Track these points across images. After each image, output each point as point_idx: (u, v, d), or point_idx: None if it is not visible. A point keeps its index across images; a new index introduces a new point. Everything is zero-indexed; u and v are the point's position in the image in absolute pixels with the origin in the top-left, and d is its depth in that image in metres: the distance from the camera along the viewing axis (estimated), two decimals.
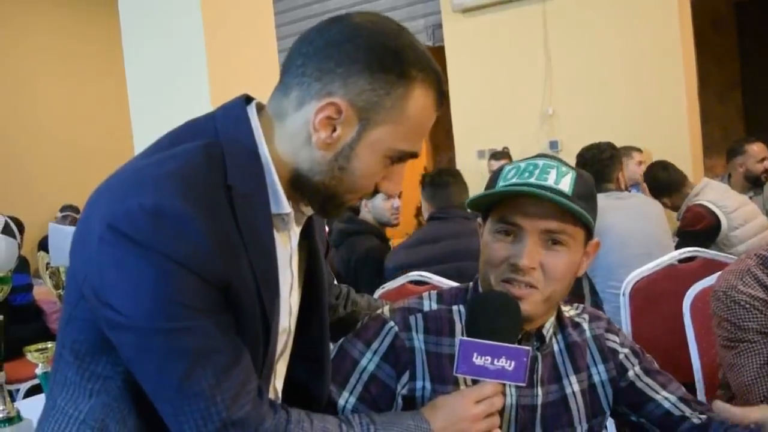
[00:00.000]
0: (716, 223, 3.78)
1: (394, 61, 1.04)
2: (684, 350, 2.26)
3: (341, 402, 1.25)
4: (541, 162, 1.25)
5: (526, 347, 1.14)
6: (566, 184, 1.21)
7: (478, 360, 1.13)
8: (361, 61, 1.03)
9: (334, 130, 1.05)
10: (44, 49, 7.73)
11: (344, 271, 3.30)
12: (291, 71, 1.08)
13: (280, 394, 1.25)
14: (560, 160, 1.27)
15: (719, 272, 1.85)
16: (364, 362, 1.26)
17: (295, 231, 1.17)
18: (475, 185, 5.72)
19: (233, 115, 1.09)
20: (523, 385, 1.16)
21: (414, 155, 1.11)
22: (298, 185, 1.10)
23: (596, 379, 1.36)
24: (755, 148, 4.35)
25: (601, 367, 1.37)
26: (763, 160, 4.33)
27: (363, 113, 1.04)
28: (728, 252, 3.64)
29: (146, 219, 0.94)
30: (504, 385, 1.17)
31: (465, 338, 1.15)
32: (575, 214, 1.19)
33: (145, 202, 0.95)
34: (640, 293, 2.74)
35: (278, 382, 1.24)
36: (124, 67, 3.28)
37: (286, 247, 1.15)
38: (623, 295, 2.74)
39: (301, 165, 1.08)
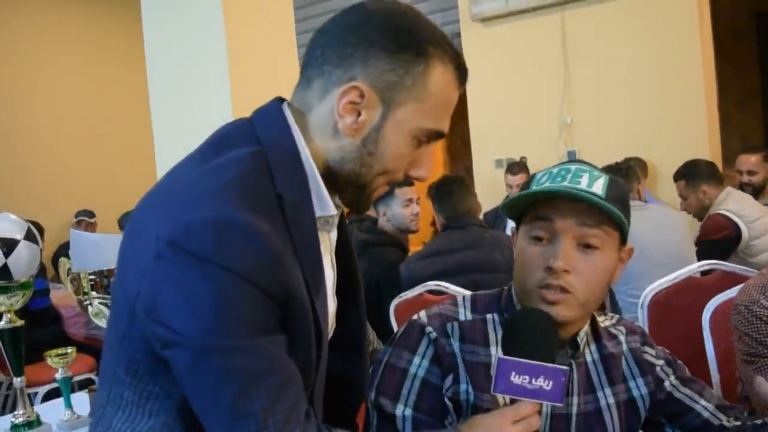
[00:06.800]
0: (737, 233, 3.77)
1: (410, 39, 1.04)
2: (702, 363, 2.24)
3: (398, 413, 1.23)
4: (573, 167, 1.25)
5: (565, 367, 1.13)
6: (599, 187, 1.21)
7: (516, 379, 1.11)
8: (378, 42, 1.03)
9: (359, 114, 1.05)
10: (62, 53, 7.80)
11: (364, 284, 3.26)
12: (311, 63, 1.08)
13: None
14: (593, 166, 1.28)
15: (739, 285, 1.84)
16: (413, 369, 1.25)
17: (335, 228, 1.18)
18: (492, 194, 5.77)
19: (272, 120, 1.09)
20: (560, 405, 1.15)
21: (440, 134, 1.11)
22: (331, 178, 1.09)
23: (635, 393, 1.35)
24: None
25: (640, 381, 1.36)
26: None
27: (385, 94, 1.04)
28: (749, 261, 3.64)
29: (209, 233, 0.93)
30: (541, 404, 1.17)
31: (503, 356, 1.14)
32: (609, 213, 1.19)
33: (207, 215, 0.93)
34: (658, 305, 2.72)
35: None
36: (146, 71, 3.31)
37: (327, 245, 1.15)
38: (641, 307, 2.72)
39: (332, 156, 1.08)
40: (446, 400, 1.25)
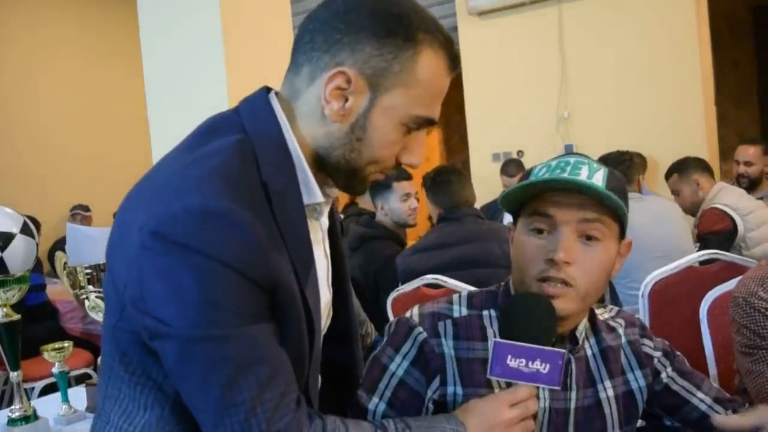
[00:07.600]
0: (733, 227, 3.77)
1: (399, 25, 1.03)
2: (701, 354, 2.25)
3: (371, 407, 1.23)
4: (572, 159, 1.24)
5: (562, 350, 1.12)
6: (599, 179, 1.19)
7: (512, 362, 1.11)
8: (367, 27, 1.02)
9: (346, 100, 1.04)
10: (59, 48, 7.77)
11: (362, 278, 3.20)
12: (300, 49, 1.08)
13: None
14: (591, 158, 1.26)
15: (737, 277, 1.84)
16: (393, 367, 1.24)
17: (325, 216, 1.17)
18: (489, 188, 5.76)
19: (258, 109, 1.08)
20: (558, 388, 1.14)
21: (430, 121, 1.10)
22: (321, 165, 1.09)
23: (634, 385, 1.34)
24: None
25: (638, 373, 1.35)
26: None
27: (373, 80, 1.03)
28: (746, 255, 3.64)
29: (193, 221, 0.92)
30: (538, 388, 1.15)
31: (499, 340, 1.13)
32: (610, 204, 1.18)
33: (190, 204, 0.93)
34: (658, 294, 2.72)
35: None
36: (142, 66, 3.30)
37: (318, 234, 1.14)
38: (642, 296, 2.72)
39: (320, 143, 1.07)
40: (431, 403, 1.23)
